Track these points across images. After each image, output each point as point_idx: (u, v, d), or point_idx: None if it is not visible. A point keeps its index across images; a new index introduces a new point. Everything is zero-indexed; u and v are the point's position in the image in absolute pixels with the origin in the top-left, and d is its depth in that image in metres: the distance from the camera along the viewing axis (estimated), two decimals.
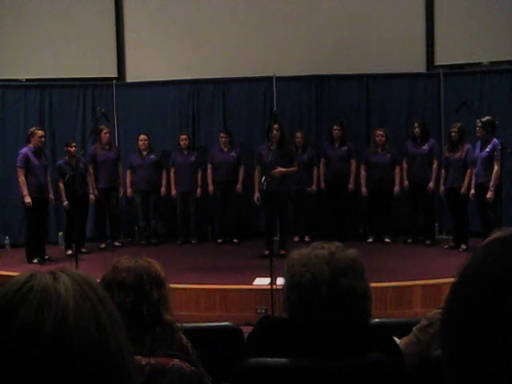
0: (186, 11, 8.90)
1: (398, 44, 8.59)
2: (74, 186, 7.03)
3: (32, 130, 7.35)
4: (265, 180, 5.46)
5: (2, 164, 8.49)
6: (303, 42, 8.70)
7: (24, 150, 7.21)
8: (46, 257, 7.37)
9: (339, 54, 8.59)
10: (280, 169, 6.91)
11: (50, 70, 8.89)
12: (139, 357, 1.67)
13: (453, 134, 7.35)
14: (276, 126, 7.06)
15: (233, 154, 8.34)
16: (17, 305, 0.73)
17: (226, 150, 8.34)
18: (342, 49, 8.60)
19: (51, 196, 7.50)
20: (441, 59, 8.70)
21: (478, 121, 6.83)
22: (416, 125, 7.79)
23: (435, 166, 7.72)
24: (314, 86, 8.78)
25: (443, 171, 7.54)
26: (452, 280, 0.81)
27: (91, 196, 8.05)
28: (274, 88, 8.77)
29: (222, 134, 8.36)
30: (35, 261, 7.19)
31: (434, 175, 7.71)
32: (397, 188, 7.95)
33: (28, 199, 7.08)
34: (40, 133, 7.31)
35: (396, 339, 2.06)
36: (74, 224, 7.42)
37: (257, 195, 7.47)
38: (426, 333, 2.09)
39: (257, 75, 8.68)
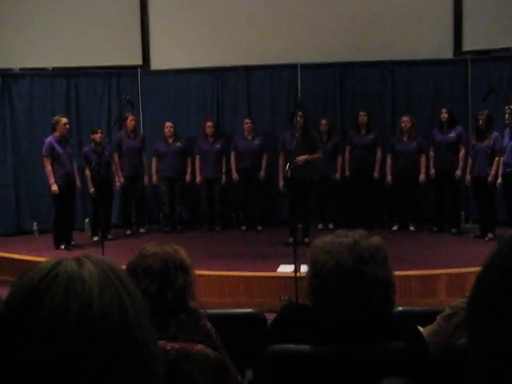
0: None
1: (423, 29, 8.46)
2: (99, 173, 7.09)
3: (56, 118, 7.43)
4: (289, 167, 5.45)
5: (30, 152, 8.59)
6: (328, 29, 8.61)
7: (49, 139, 7.28)
8: (73, 243, 7.47)
9: (364, 41, 8.49)
10: (302, 157, 6.87)
11: (75, 59, 8.95)
12: (164, 341, 1.69)
13: (480, 121, 7.22)
14: (300, 112, 7.03)
15: (256, 141, 8.34)
16: (43, 291, 0.75)
17: (249, 137, 8.35)
18: (366, 35, 8.50)
19: (78, 183, 7.59)
20: (468, 45, 8.53)
21: (506, 107, 6.70)
22: (444, 110, 7.65)
23: (462, 153, 7.61)
24: (339, 73, 8.71)
25: (470, 160, 7.43)
26: (478, 269, 0.80)
27: (117, 183, 8.13)
28: (299, 75, 8.73)
29: (246, 120, 8.38)
30: (62, 247, 7.31)
31: (461, 163, 7.59)
32: (422, 177, 7.86)
33: (55, 187, 7.17)
34: (64, 120, 7.38)
35: (420, 328, 2.06)
36: (99, 211, 7.52)
37: (281, 183, 7.45)
38: (450, 322, 2.08)
39: (281, 62, 8.64)
